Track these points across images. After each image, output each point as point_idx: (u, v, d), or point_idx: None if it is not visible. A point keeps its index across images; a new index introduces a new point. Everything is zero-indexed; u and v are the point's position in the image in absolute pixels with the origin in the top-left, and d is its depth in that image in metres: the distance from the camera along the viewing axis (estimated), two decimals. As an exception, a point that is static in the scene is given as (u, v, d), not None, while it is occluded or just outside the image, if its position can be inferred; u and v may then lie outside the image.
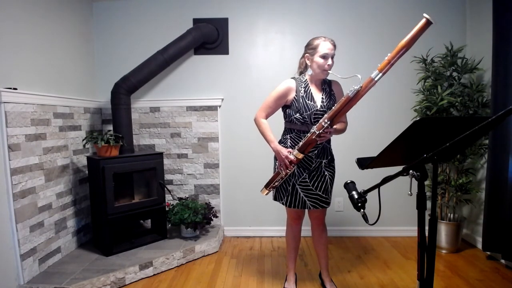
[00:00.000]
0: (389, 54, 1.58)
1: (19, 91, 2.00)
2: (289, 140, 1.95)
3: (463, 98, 2.60)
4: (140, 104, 3.05)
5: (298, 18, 2.98)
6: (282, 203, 2.01)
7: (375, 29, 2.93)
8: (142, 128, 3.08)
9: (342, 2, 2.95)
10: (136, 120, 3.05)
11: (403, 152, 1.21)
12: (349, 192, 1.36)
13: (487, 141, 2.56)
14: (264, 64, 3.03)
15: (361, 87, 1.65)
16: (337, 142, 2.89)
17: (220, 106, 3.07)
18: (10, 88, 1.95)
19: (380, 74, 1.61)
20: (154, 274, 2.37)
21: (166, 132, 3.08)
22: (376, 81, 1.63)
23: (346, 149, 2.85)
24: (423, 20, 1.47)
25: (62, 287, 2.00)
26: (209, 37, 2.95)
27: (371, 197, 1.40)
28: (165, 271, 2.43)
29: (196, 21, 2.98)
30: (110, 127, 2.89)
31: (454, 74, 2.69)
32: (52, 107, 2.37)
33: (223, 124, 3.10)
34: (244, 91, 3.04)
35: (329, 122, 1.74)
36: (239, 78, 3.05)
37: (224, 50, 3.03)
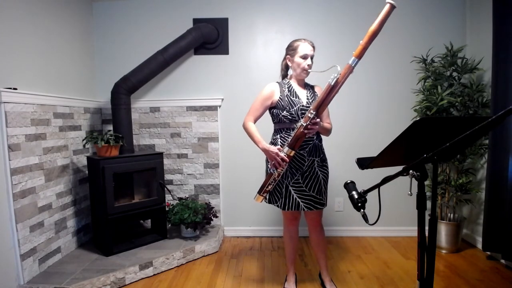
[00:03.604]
0: (361, 41, 1.69)
1: (19, 91, 2.00)
2: (279, 140, 1.96)
3: (463, 98, 2.59)
4: (140, 104, 3.05)
5: (298, 18, 2.98)
6: (277, 206, 2.00)
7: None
8: (142, 128, 3.08)
9: (342, 2, 2.94)
10: (136, 120, 3.05)
11: (403, 152, 1.21)
12: (349, 192, 1.35)
13: (487, 141, 2.56)
14: (264, 64, 3.03)
15: (339, 74, 1.74)
16: (337, 142, 2.90)
17: (220, 106, 3.07)
18: (10, 88, 1.95)
19: (357, 60, 1.71)
20: (154, 274, 2.38)
21: (166, 132, 3.08)
22: (353, 67, 1.73)
23: (346, 149, 2.85)
24: (387, 6, 1.64)
25: (62, 287, 2.00)
26: (209, 37, 2.95)
27: (371, 197, 1.40)
28: (165, 271, 2.43)
29: (196, 21, 2.98)
30: (110, 127, 2.89)
31: (454, 74, 2.69)
32: (52, 107, 2.37)
33: (223, 124, 3.10)
34: (244, 91, 3.04)
35: (315, 113, 1.78)
36: (239, 78, 3.05)
37: (224, 50, 3.03)
